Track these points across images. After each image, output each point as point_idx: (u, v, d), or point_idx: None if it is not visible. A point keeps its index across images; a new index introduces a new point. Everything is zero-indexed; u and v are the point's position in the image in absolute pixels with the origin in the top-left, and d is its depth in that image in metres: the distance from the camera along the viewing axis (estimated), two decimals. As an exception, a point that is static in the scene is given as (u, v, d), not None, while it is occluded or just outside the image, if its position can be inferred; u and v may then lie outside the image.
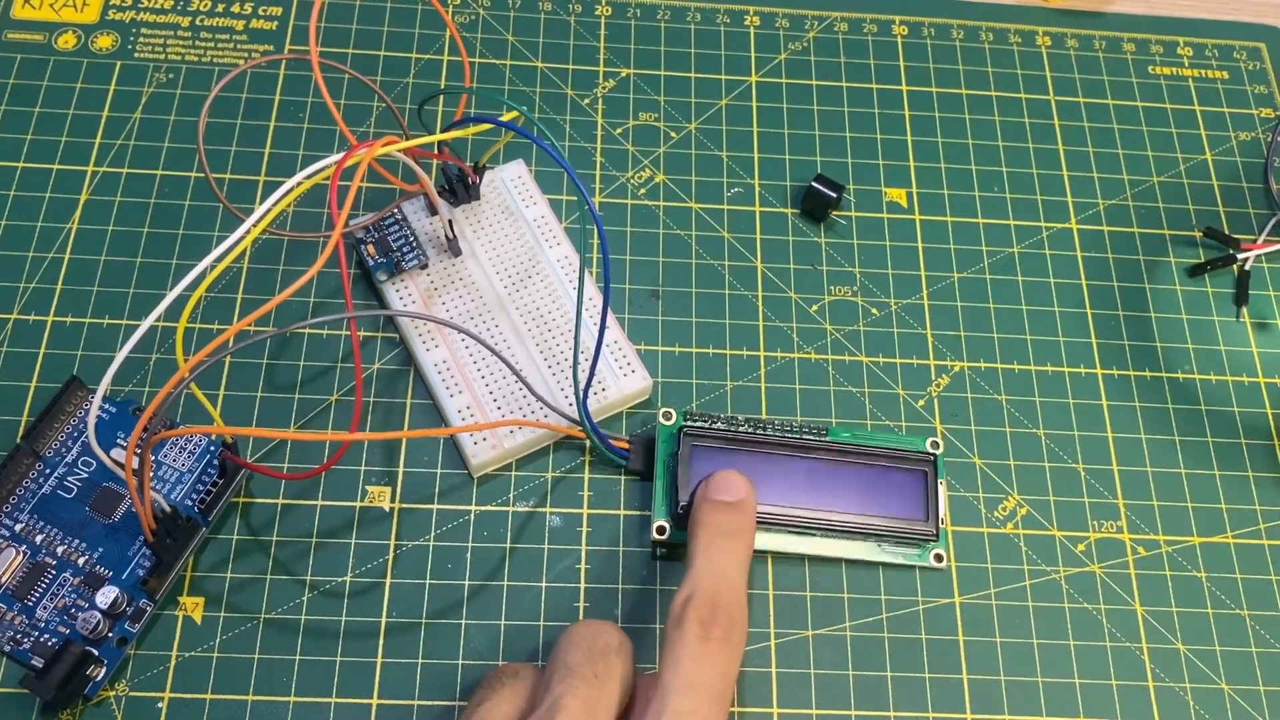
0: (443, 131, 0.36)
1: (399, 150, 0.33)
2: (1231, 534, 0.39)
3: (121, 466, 0.31)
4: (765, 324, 0.41)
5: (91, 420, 0.30)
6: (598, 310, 0.40)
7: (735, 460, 0.37)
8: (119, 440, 0.37)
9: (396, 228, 0.39)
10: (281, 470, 0.37)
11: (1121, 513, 0.39)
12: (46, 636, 0.34)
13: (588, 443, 0.38)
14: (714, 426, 0.37)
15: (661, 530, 0.36)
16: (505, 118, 0.35)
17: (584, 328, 0.36)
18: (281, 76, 0.44)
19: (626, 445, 0.38)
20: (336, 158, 0.31)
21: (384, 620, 0.35)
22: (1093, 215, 0.45)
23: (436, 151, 0.38)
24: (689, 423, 0.37)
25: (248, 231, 0.30)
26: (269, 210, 0.30)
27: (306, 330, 0.39)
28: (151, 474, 0.34)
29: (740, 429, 0.38)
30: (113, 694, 0.34)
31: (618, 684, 0.29)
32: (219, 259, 0.29)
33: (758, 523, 0.36)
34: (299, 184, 0.31)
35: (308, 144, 0.43)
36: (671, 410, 0.38)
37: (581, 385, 0.36)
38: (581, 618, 0.36)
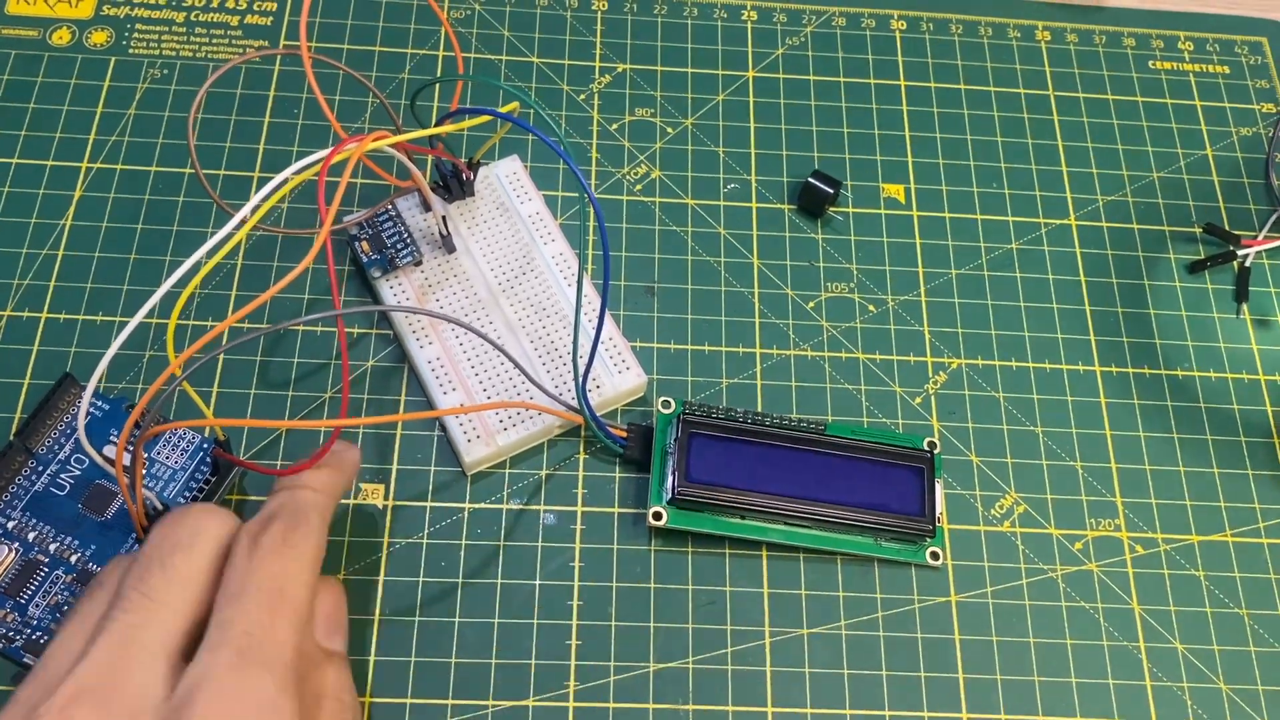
0: (437, 124, 0.36)
1: (390, 145, 0.33)
2: (1230, 532, 0.39)
3: (113, 464, 0.31)
4: (761, 321, 0.41)
5: (81, 417, 0.30)
6: (594, 307, 0.40)
7: (734, 450, 0.37)
8: (112, 437, 0.37)
9: (390, 224, 0.39)
10: (275, 467, 0.37)
11: (1119, 511, 0.39)
12: (39, 634, 0.34)
13: (582, 440, 0.38)
14: (712, 417, 0.37)
15: (658, 516, 0.36)
16: (504, 109, 0.35)
17: (581, 320, 0.36)
18: (276, 72, 0.44)
19: (624, 434, 0.38)
20: (325, 153, 0.31)
21: (377, 617, 0.35)
22: (1092, 211, 0.45)
23: (429, 146, 0.38)
24: (688, 411, 0.37)
25: (237, 227, 0.29)
26: (258, 206, 0.30)
27: (300, 327, 0.39)
28: (144, 471, 0.34)
29: (739, 421, 0.37)
30: (104, 692, 0.34)
31: (179, 593, 0.27)
32: (208, 255, 0.29)
33: (756, 513, 0.36)
34: (288, 179, 0.31)
35: (302, 140, 0.43)
36: (670, 399, 0.38)
37: (580, 371, 0.36)
38: (575, 618, 0.36)
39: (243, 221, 0.29)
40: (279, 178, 0.30)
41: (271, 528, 0.29)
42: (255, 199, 0.30)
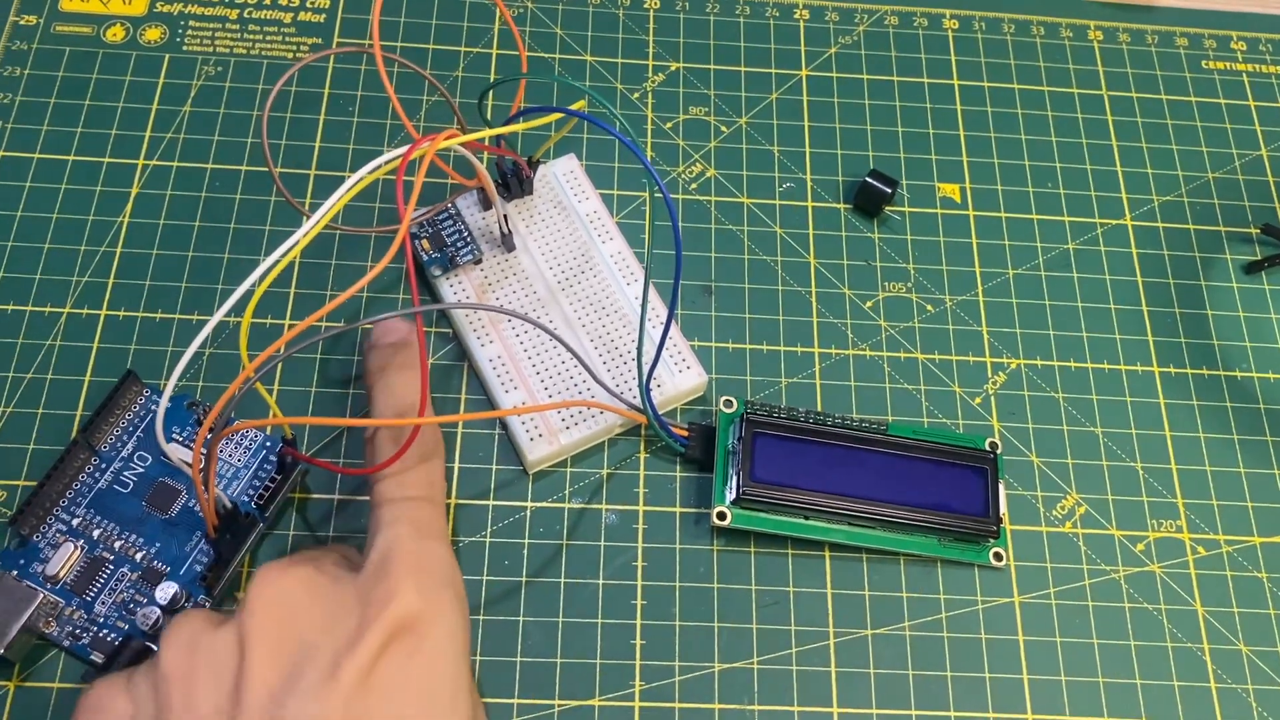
0: (505, 123, 0.36)
1: (459, 144, 0.33)
2: (1292, 534, 0.39)
3: (187, 464, 0.31)
4: (819, 320, 0.41)
5: (160, 418, 0.30)
6: (653, 305, 0.40)
7: (797, 450, 0.37)
8: (174, 435, 0.37)
9: (450, 222, 0.39)
10: (338, 464, 0.37)
11: (1181, 512, 0.39)
12: (106, 631, 0.34)
13: (642, 439, 0.38)
14: (775, 417, 0.37)
15: (722, 516, 0.36)
16: (572, 107, 0.35)
17: (645, 317, 0.36)
18: (330, 70, 0.44)
19: (686, 433, 0.38)
20: (401, 151, 0.31)
21: (441, 617, 0.35)
22: (1148, 212, 0.44)
23: (493, 145, 0.38)
24: (751, 411, 0.37)
25: (315, 225, 0.29)
26: (335, 203, 0.30)
27: (361, 325, 0.39)
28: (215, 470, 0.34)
29: (802, 420, 0.37)
30: (172, 689, 0.34)
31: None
32: (285, 253, 0.29)
33: (820, 513, 0.36)
34: (364, 178, 0.31)
35: (358, 138, 0.43)
36: (733, 399, 0.38)
37: (645, 370, 0.36)
38: (639, 618, 0.36)
39: (322, 217, 0.29)
40: (355, 176, 0.30)
41: (407, 431, 0.33)
42: (333, 197, 0.30)
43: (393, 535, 0.31)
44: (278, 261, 0.29)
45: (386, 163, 0.31)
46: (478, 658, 0.35)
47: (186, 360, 0.29)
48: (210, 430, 0.30)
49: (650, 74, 0.45)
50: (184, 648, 0.29)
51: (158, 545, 0.35)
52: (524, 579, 0.36)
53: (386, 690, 0.28)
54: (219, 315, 0.29)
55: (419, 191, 0.31)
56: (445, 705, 0.29)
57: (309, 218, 0.30)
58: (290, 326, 0.39)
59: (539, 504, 0.37)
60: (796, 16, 0.47)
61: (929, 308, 0.42)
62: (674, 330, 0.39)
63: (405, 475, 0.33)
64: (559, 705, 0.34)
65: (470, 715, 0.30)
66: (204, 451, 0.30)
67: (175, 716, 0.27)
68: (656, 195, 0.39)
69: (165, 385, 0.30)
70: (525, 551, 0.36)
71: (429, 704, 0.28)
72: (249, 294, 0.30)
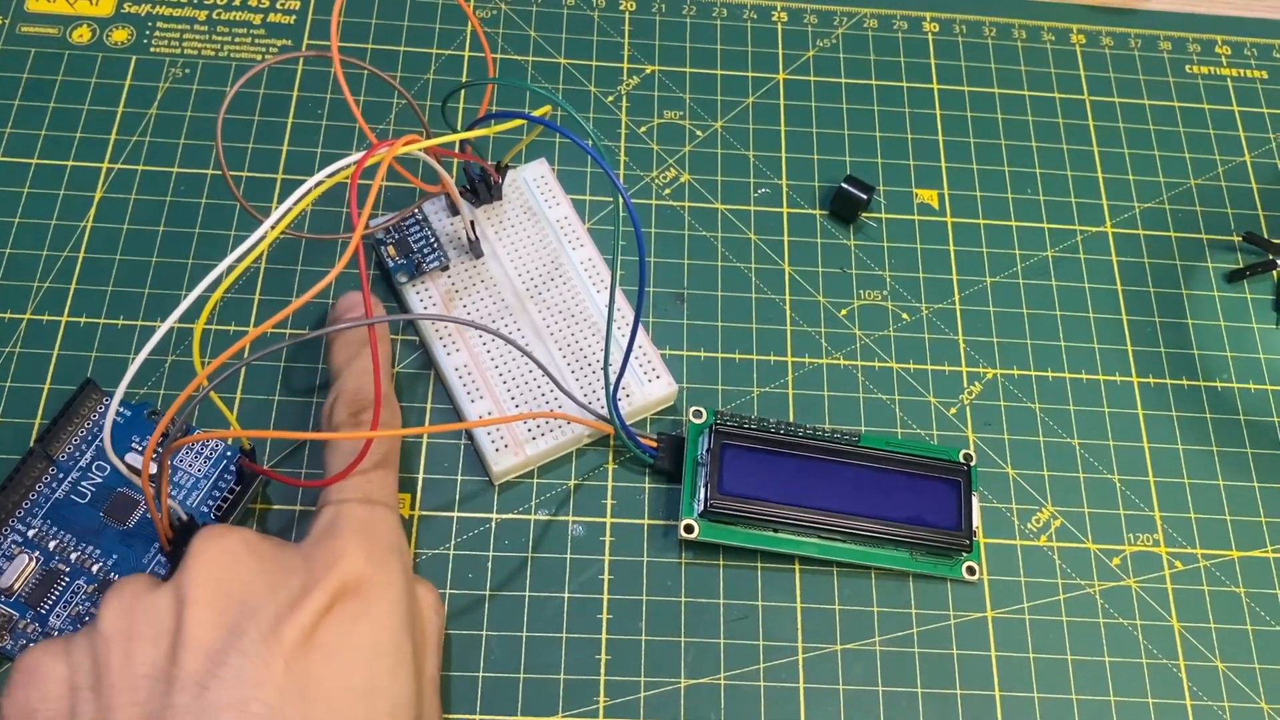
0: (468, 128, 0.35)
1: (421, 149, 0.32)
2: (1271, 548, 0.38)
3: (138, 474, 0.30)
4: (793, 328, 0.40)
5: (108, 427, 0.30)
6: (622, 314, 0.39)
7: (767, 461, 0.36)
8: (134, 444, 0.36)
9: (417, 228, 0.39)
10: (299, 476, 0.36)
11: (1158, 525, 0.38)
12: (59, 645, 0.33)
13: (610, 450, 0.38)
14: (745, 428, 0.37)
15: (690, 529, 0.36)
16: (537, 113, 0.34)
17: (612, 327, 0.36)
18: (299, 72, 0.43)
19: (655, 444, 0.37)
20: (357, 157, 0.31)
21: (403, 630, 0.35)
22: (1128, 219, 0.44)
23: (459, 150, 0.37)
24: (720, 421, 0.37)
25: (267, 233, 0.29)
26: (288, 210, 0.29)
27: (325, 333, 0.38)
28: (169, 480, 0.34)
29: (772, 431, 0.37)
30: (127, 704, 0.33)
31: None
32: (238, 260, 0.29)
33: (789, 526, 0.36)
34: (319, 184, 0.30)
35: (326, 141, 0.42)
36: (702, 409, 0.37)
37: (612, 379, 0.35)
38: (605, 632, 0.35)
39: (274, 225, 0.29)
40: (310, 182, 0.29)
41: (368, 408, 0.33)
42: (287, 203, 0.29)
43: (340, 501, 0.31)
44: (231, 268, 0.29)
45: (342, 168, 0.30)
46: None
47: (135, 368, 0.29)
48: (160, 442, 0.29)
49: (625, 77, 0.45)
50: (123, 609, 0.28)
51: (115, 557, 0.34)
52: (488, 592, 0.35)
53: (329, 652, 0.27)
54: (169, 323, 0.28)
55: (375, 196, 0.30)
56: (386, 673, 0.28)
57: (263, 224, 0.29)
58: (253, 334, 0.38)
59: (504, 515, 0.37)
60: (774, 19, 0.47)
61: (905, 316, 0.41)
62: (644, 339, 0.38)
63: (359, 477, 0.32)
64: (521, 721, 0.34)
65: (412, 688, 0.29)
66: (155, 461, 0.30)
67: (114, 677, 0.27)
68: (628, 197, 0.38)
69: (116, 392, 0.29)
70: (490, 564, 0.36)
71: (371, 670, 0.28)
72: (201, 301, 0.29)
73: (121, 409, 0.36)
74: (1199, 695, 0.36)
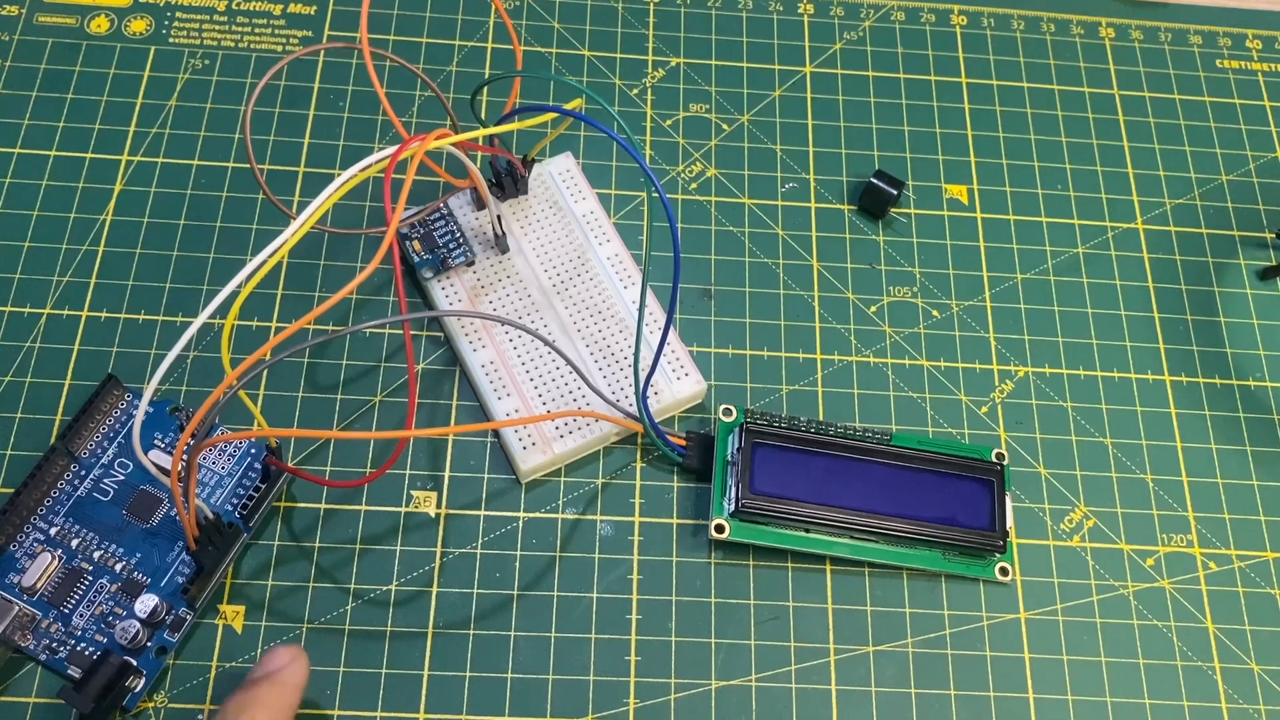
0: (498, 122, 0.35)
1: (452, 144, 0.32)
2: (1306, 549, 0.38)
3: (166, 473, 0.30)
4: (822, 325, 0.40)
5: (137, 428, 0.29)
6: (651, 309, 0.38)
7: (798, 461, 0.36)
8: (156, 441, 0.36)
9: (442, 223, 0.38)
10: (324, 475, 0.36)
11: (1192, 526, 0.38)
12: (84, 645, 0.33)
13: (638, 448, 0.37)
14: (776, 426, 0.36)
15: (720, 529, 0.35)
16: (568, 106, 0.33)
17: (643, 324, 0.35)
18: (320, 64, 0.43)
19: (683, 442, 0.37)
20: (389, 151, 0.30)
21: (430, 630, 0.34)
22: (1159, 215, 0.43)
23: (487, 144, 0.36)
24: (751, 420, 0.36)
25: (298, 230, 0.28)
26: (321, 205, 0.29)
27: (350, 331, 0.38)
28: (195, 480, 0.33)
29: (803, 430, 0.36)
30: (151, 705, 0.33)
31: None
32: (269, 257, 0.28)
33: (821, 526, 0.35)
34: (351, 178, 0.29)
35: (348, 134, 0.42)
36: (732, 407, 0.37)
37: (642, 377, 0.35)
38: (634, 633, 0.35)
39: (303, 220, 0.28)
40: (344, 176, 0.29)
41: None
42: (320, 197, 0.28)
43: None
44: (262, 265, 0.28)
45: (374, 163, 0.30)
46: (467, 674, 0.34)
47: (167, 365, 0.28)
48: (190, 440, 0.29)
49: (650, 69, 0.44)
50: None
51: (138, 556, 0.34)
52: (516, 592, 0.35)
53: None
54: (201, 319, 0.28)
55: (408, 192, 0.30)
56: None
57: (295, 219, 0.29)
58: (277, 330, 0.38)
59: (532, 514, 0.36)
60: (801, 11, 0.46)
61: (935, 313, 0.40)
62: (672, 336, 0.38)
63: None
64: (551, 723, 0.33)
65: None
66: (184, 461, 0.29)
67: None
68: (654, 196, 0.38)
69: (145, 391, 0.28)
70: (517, 564, 0.35)
71: None
72: (232, 297, 0.29)
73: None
74: (1235, 699, 0.35)
